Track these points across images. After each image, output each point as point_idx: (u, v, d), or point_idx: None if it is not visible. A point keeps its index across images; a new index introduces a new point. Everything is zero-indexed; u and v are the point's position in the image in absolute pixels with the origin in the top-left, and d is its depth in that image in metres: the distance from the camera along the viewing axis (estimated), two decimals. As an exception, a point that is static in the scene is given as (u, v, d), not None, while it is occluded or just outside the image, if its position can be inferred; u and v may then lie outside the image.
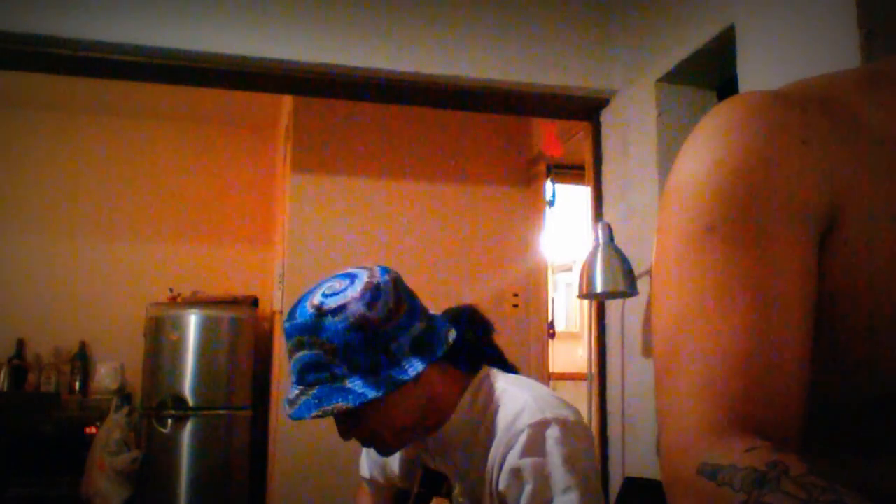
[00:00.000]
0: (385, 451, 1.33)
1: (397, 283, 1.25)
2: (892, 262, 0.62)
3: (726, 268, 0.62)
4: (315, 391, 1.17)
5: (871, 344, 0.64)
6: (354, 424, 1.25)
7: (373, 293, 1.19)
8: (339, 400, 1.15)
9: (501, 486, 1.20)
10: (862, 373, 0.65)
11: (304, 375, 1.19)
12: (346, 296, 1.19)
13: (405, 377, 1.18)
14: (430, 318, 1.28)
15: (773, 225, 0.62)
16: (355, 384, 1.16)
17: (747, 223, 0.62)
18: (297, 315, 1.20)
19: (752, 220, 0.62)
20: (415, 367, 1.19)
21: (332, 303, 1.18)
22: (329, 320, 1.17)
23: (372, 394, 1.15)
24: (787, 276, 0.62)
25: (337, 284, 1.22)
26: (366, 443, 1.32)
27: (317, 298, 1.20)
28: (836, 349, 0.65)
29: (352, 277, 1.23)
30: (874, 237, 0.63)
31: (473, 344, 1.38)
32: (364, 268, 1.26)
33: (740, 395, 0.59)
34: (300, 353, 1.19)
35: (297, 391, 1.20)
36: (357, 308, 1.17)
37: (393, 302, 1.21)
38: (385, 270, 1.26)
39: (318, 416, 1.15)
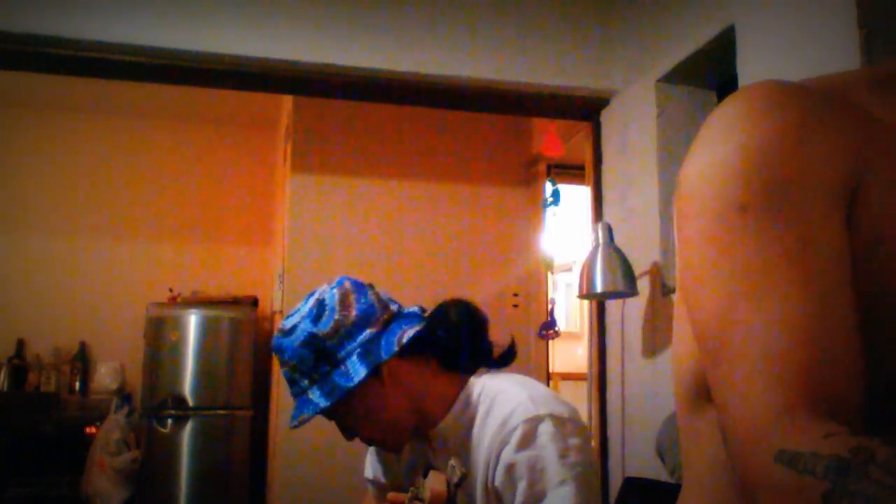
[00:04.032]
0: (386, 448, 1.38)
1: (346, 294, 1.30)
2: None
3: (767, 245, 0.61)
4: (296, 403, 1.29)
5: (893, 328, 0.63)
6: (347, 427, 1.34)
7: (318, 309, 1.29)
8: (306, 411, 1.26)
9: (497, 483, 1.22)
10: (889, 353, 0.64)
11: (290, 389, 1.32)
12: (298, 315, 1.30)
13: (349, 384, 1.25)
14: (387, 322, 1.31)
15: (805, 200, 0.62)
16: (315, 395, 1.26)
17: (782, 200, 0.62)
18: (273, 336, 1.33)
19: (784, 197, 0.62)
20: (358, 373, 1.25)
21: (287, 324, 1.30)
22: (287, 340, 1.28)
23: (323, 403, 1.25)
24: (828, 249, 0.61)
25: (300, 303, 1.33)
26: (367, 442, 1.39)
27: (283, 319, 1.33)
28: (874, 326, 0.63)
29: (310, 295, 1.33)
30: (889, 213, 0.63)
31: (466, 342, 1.38)
32: (329, 282, 1.34)
33: (806, 373, 0.57)
34: (282, 371, 1.32)
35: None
36: (305, 326, 1.28)
37: (338, 314, 1.28)
38: (338, 283, 1.33)
39: (296, 426, 1.28)
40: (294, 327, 1.28)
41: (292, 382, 1.29)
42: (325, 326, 1.26)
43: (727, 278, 0.62)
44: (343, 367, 1.26)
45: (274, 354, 1.32)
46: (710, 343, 0.63)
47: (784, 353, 0.58)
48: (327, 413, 1.29)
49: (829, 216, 0.62)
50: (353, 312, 1.29)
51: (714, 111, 0.69)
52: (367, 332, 1.28)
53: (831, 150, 0.63)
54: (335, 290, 1.30)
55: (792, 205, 0.62)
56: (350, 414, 1.30)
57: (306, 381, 1.27)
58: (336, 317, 1.27)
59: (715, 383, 0.62)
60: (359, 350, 1.27)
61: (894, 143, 0.66)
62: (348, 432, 1.34)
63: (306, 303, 1.31)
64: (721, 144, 0.66)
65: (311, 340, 1.26)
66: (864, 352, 0.62)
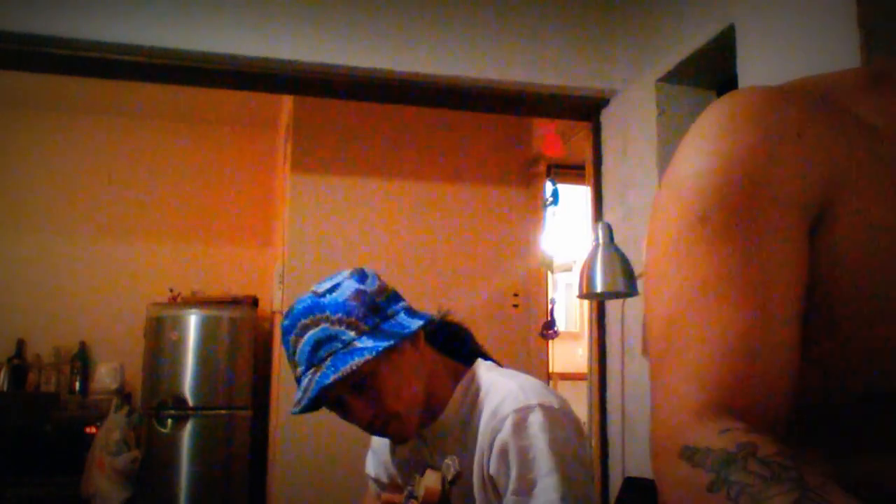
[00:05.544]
0: (398, 430, 1.31)
1: (378, 274, 1.36)
2: (887, 248, 0.63)
3: (719, 258, 0.63)
4: (329, 362, 1.21)
5: (870, 335, 0.64)
6: (367, 397, 1.26)
7: (360, 274, 1.32)
8: (357, 356, 1.20)
9: (492, 471, 1.23)
10: (864, 366, 0.65)
11: (315, 354, 1.23)
12: (338, 278, 1.31)
13: (409, 329, 1.27)
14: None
15: (766, 215, 0.63)
16: (365, 343, 1.22)
17: (741, 214, 0.63)
18: (294, 309, 1.28)
19: (745, 211, 0.63)
20: (415, 322, 1.29)
21: (326, 285, 1.29)
22: (328, 297, 1.26)
23: (383, 343, 1.22)
24: (778, 267, 0.62)
25: (324, 279, 1.32)
26: (378, 426, 1.31)
27: (310, 289, 1.30)
28: (837, 341, 0.65)
29: (337, 273, 1.33)
30: (868, 224, 0.64)
31: (465, 340, 1.45)
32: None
33: (725, 381, 0.60)
34: (306, 336, 1.24)
35: (307, 379, 1.23)
36: (351, 284, 1.29)
37: (380, 281, 1.34)
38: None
39: (340, 378, 1.19)
40: (337, 285, 1.28)
41: (327, 340, 1.22)
42: (372, 285, 1.30)
43: (677, 286, 0.64)
44: (394, 320, 1.28)
45: (297, 322, 1.25)
46: (654, 346, 0.66)
47: (711, 361, 0.61)
48: (359, 375, 1.22)
49: (787, 232, 0.63)
50: (391, 287, 1.34)
51: (700, 116, 0.70)
52: (406, 302, 1.34)
53: (803, 166, 0.64)
54: (367, 267, 1.36)
55: (751, 218, 0.63)
56: (382, 376, 1.25)
57: (352, 333, 1.23)
58: (379, 282, 1.33)
59: (651, 383, 0.66)
60: (404, 310, 1.31)
61: (877, 148, 0.66)
62: (365, 411, 1.27)
63: (339, 273, 1.32)
64: (694, 155, 0.68)
65: (360, 295, 1.27)
66: (832, 361, 0.65)
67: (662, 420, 0.62)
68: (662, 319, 0.65)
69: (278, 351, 3.96)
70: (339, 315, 1.24)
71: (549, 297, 4.18)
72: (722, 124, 0.67)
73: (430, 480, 1.29)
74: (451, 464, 1.30)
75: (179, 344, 4.19)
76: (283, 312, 1.34)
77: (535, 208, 4.15)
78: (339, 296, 1.26)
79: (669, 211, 0.68)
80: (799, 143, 0.65)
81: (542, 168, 4.13)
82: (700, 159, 0.67)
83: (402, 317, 1.29)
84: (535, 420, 1.21)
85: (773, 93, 0.69)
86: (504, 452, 1.21)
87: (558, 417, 1.23)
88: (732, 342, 0.60)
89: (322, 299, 1.26)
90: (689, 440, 0.58)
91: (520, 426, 1.21)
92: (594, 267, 2.57)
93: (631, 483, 2.38)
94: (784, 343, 0.62)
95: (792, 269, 0.63)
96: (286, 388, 3.50)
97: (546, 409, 1.23)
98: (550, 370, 4.17)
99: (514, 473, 1.20)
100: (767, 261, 0.62)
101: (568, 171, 4.06)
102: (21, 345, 4.57)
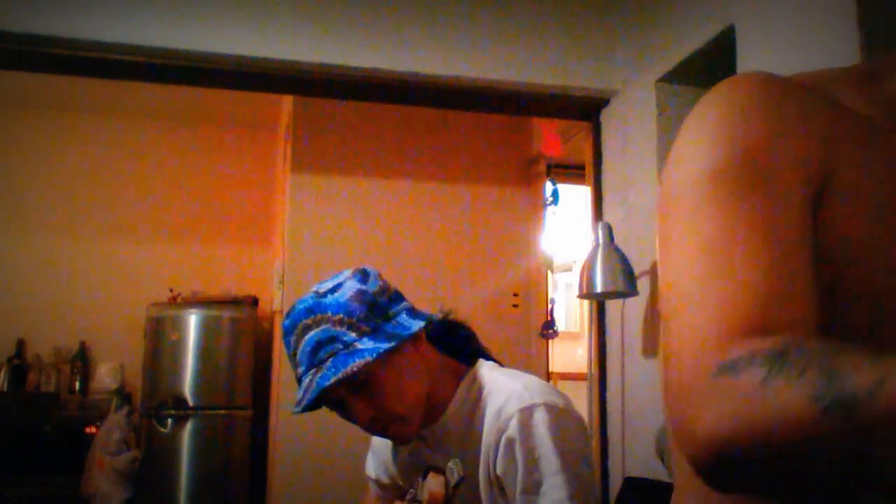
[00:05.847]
0: (399, 431, 1.32)
1: (380, 274, 1.35)
2: (879, 225, 0.65)
3: (733, 209, 0.63)
4: (330, 363, 1.21)
5: (871, 309, 0.65)
6: (368, 398, 1.26)
7: (362, 274, 1.31)
8: (357, 358, 1.20)
9: (499, 471, 1.24)
10: (865, 341, 0.65)
11: (316, 354, 1.23)
12: (340, 278, 1.30)
13: (409, 331, 1.26)
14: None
15: (776, 175, 0.64)
16: (366, 344, 1.22)
17: (754, 169, 0.65)
18: (296, 308, 1.27)
19: (757, 168, 0.65)
20: (416, 323, 1.28)
21: (328, 285, 1.29)
22: (329, 298, 1.26)
23: (384, 345, 1.22)
24: (793, 221, 0.63)
25: (326, 279, 1.32)
26: (378, 426, 1.31)
27: (312, 289, 1.29)
28: (838, 316, 0.65)
29: (339, 273, 1.33)
30: (861, 201, 0.65)
31: (467, 340, 1.45)
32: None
33: (752, 313, 0.58)
34: (307, 336, 1.24)
35: (307, 379, 1.23)
36: (352, 284, 1.28)
37: (382, 281, 1.33)
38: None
39: (340, 380, 1.19)
40: (338, 285, 1.28)
41: (328, 341, 1.22)
42: (373, 286, 1.30)
43: (692, 240, 0.64)
44: (395, 321, 1.27)
45: (298, 322, 1.25)
46: (668, 300, 0.65)
47: (734, 295, 0.60)
48: (360, 376, 1.21)
49: (795, 192, 0.64)
50: (393, 286, 1.34)
51: (702, 99, 0.72)
52: (408, 302, 1.33)
53: (805, 141, 0.66)
54: (372, 267, 1.36)
55: (764, 174, 0.64)
56: (383, 377, 1.25)
57: (353, 335, 1.22)
58: (381, 282, 1.32)
59: (666, 337, 0.64)
60: (405, 310, 1.30)
61: (873, 137, 0.68)
62: (366, 412, 1.26)
63: (341, 273, 1.32)
64: (696, 135, 0.70)
65: (362, 295, 1.26)
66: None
67: (687, 354, 0.59)
68: (675, 273, 0.65)
69: (278, 351, 3.96)
70: (341, 315, 1.23)
71: (549, 297, 4.17)
72: (724, 107, 0.69)
73: (434, 485, 1.29)
74: (454, 468, 1.30)
75: (179, 344, 4.19)
76: (284, 312, 1.33)
77: (535, 208, 4.15)
78: (340, 296, 1.25)
79: (680, 174, 0.69)
80: (802, 122, 0.67)
81: (542, 168, 4.13)
82: (710, 131, 0.68)
83: (403, 317, 1.29)
84: (541, 419, 1.22)
85: (775, 78, 0.71)
86: (511, 452, 1.22)
87: (563, 416, 1.24)
88: (758, 281, 0.60)
89: (323, 299, 1.26)
90: (724, 358, 0.55)
91: (525, 425, 1.21)
92: (594, 267, 2.57)
93: (631, 483, 2.38)
94: (808, 288, 0.61)
95: (804, 225, 0.64)
96: (286, 388, 3.50)
97: (551, 408, 1.23)
98: (550, 370, 4.17)
99: (520, 473, 1.20)
100: (782, 213, 0.63)
101: (568, 171, 4.06)
102: (21, 345, 4.57)
